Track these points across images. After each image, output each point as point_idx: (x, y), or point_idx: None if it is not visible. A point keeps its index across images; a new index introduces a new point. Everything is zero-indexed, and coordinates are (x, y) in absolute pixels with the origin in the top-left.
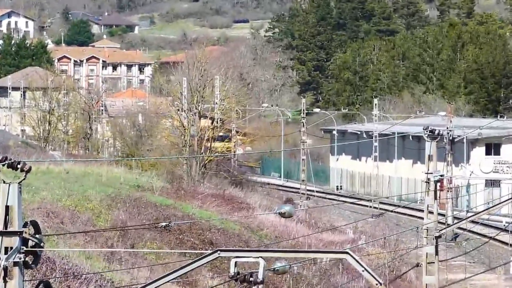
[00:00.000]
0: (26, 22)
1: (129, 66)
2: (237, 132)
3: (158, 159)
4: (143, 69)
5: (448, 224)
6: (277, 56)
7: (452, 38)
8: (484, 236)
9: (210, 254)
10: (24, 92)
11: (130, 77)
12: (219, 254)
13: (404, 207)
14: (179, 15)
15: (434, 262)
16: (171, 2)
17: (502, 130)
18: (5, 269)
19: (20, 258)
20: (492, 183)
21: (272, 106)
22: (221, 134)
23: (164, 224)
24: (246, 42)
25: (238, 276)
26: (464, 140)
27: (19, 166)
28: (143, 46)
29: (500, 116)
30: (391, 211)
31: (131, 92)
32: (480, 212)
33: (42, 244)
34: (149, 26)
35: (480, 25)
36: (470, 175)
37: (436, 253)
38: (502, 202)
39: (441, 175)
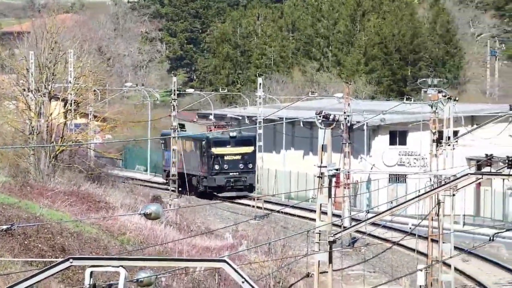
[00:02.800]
0: None
1: None
2: (95, 116)
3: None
4: None
5: (344, 227)
6: (143, 26)
7: (350, 6)
8: (387, 240)
9: (61, 263)
10: None
11: None
12: (71, 262)
13: (293, 206)
14: None
15: (327, 272)
16: None
17: (409, 116)
18: None
19: None
20: (397, 178)
21: (137, 85)
22: (234, 134)
23: (5, 227)
24: (105, 10)
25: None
26: (365, 127)
27: None
28: None
29: (407, 99)
30: (278, 212)
31: None
32: (382, 213)
33: None
34: None
35: None
36: (371, 168)
37: (330, 261)
38: (408, 201)
39: (337, 169)
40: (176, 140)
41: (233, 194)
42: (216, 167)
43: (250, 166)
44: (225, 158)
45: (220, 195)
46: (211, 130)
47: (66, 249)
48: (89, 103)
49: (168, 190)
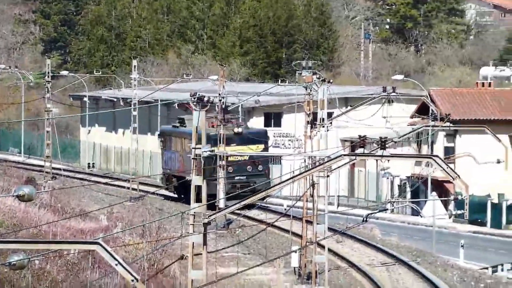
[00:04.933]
0: None
1: None
2: None
3: None
4: None
5: (219, 208)
6: (16, 8)
7: None
8: (262, 222)
9: None
10: None
11: None
12: None
13: (166, 188)
14: None
15: (201, 254)
16: None
17: (283, 97)
18: None
19: None
20: (272, 160)
21: (10, 67)
22: (239, 130)
23: None
24: None
25: None
26: (240, 109)
27: None
28: None
29: (281, 81)
30: (153, 193)
31: None
32: (256, 194)
33: None
34: None
35: None
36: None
37: (205, 243)
38: (283, 182)
39: (212, 151)
40: (50, 122)
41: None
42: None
43: (261, 168)
44: (229, 159)
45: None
46: (213, 126)
47: None
48: None
49: (43, 172)
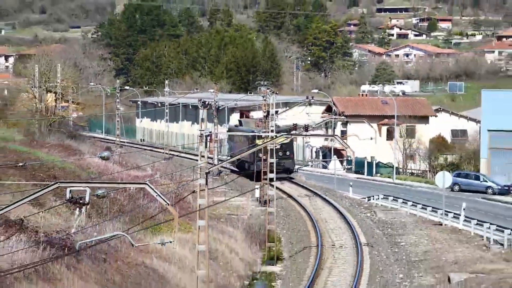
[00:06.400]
0: None
1: None
2: (72, 102)
3: (18, 120)
4: (7, 59)
5: (214, 164)
6: (100, 51)
7: (218, 40)
8: (238, 172)
9: (53, 185)
10: None
11: None
12: (59, 185)
13: (185, 153)
14: (32, 22)
15: (204, 190)
16: (27, 13)
17: (250, 102)
18: None
19: None
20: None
21: (96, 84)
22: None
23: (21, 164)
24: (79, 42)
25: (71, 199)
26: (225, 109)
27: None
28: (8, 43)
29: (249, 93)
30: (177, 156)
31: None
32: (237, 156)
33: None
34: (11, 30)
35: (236, 32)
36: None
37: (206, 183)
38: (250, 150)
39: (210, 132)
40: (120, 116)
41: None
42: (259, 155)
43: (288, 153)
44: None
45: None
46: (258, 126)
47: (57, 177)
48: (69, 94)
49: (115, 143)
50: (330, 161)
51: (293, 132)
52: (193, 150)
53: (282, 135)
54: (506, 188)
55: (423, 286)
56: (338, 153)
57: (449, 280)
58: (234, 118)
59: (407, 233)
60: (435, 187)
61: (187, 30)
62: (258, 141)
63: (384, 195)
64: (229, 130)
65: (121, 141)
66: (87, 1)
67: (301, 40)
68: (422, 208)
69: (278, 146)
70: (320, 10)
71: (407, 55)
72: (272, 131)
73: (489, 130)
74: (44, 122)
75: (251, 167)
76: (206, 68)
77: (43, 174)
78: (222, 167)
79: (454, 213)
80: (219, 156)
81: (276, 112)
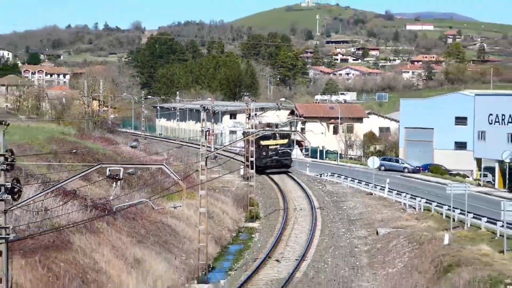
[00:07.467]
0: (8, 52)
1: (58, 75)
2: (111, 107)
3: (73, 120)
4: (65, 76)
5: (211, 151)
6: (130, 70)
7: (213, 63)
8: (228, 157)
9: (96, 166)
10: (6, 86)
11: (60, 80)
12: (101, 165)
13: (191, 143)
14: (82, 50)
15: (204, 169)
16: (79, 44)
17: (237, 107)
18: None
19: (3, 166)
20: (232, 132)
21: (128, 94)
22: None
23: (75, 151)
24: (115, 64)
25: (110, 176)
26: (220, 112)
27: (3, 123)
28: (65, 65)
29: (236, 101)
30: (186, 145)
31: (59, 88)
32: (226, 145)
33: (14, 160)
34: (68, 55)
35: (227, 57)
36: (222, 128)
37: (206, 165)
38: (236, 141)
39: (208, 129)
40: (145, 117)
41: (274, 170)
42: (263, 153)
43: (286, 152)
44: (269, 147)
45: (267, 171)
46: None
47: (100, 160)
48: (108, 101)
49: (140, 136)
50: (293, 149)
51: (267, 128)
52: (197, 141)
53: (260, 130)
54: (417, 168)
55: (359, 237)
56: (299, 143)
57: (377, 233)
58: (226, 119)
59: (347, 200)
60: (367, 167)
61: (192, 56)
62: (262, 142)
63: (331, 173)
64: (244, 133)
65: (145, 135)
66: (121, 35)
67: (272, 63)
68: (358, 182)
69: (278, 146)
70: (286, 42)
71: (347, 74)
72: (252, 127)
73: (405, 128)
74: (91, 121)
75: (257, 163)
76: (205, 83)
77: (90, 158)
78: (217, 153)
79: (381, 186)
80: (215, 146)
81: (255, 114)
